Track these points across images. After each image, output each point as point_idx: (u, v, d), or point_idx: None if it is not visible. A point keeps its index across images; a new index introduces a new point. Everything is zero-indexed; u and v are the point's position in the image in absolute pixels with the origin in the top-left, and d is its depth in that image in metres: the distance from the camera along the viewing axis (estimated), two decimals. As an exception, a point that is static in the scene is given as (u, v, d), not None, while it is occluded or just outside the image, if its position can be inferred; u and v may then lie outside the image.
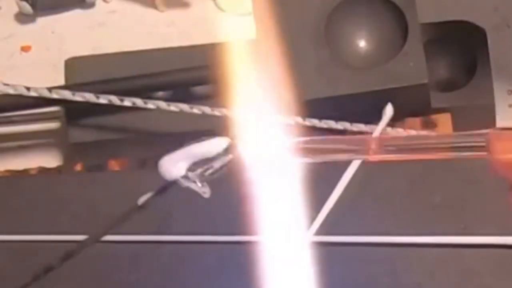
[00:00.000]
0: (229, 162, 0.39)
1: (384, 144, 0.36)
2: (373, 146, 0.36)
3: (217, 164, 0.39)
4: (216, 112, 0.72)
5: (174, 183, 0.40)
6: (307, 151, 0.37)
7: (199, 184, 0.40)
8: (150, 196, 0.45)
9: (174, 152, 0.40)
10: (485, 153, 0.36)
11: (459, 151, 0.37)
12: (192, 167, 0.39)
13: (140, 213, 0.68)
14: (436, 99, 0.77)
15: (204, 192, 0.40)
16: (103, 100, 0.72)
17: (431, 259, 0.65)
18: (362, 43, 0.78)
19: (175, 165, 0.39)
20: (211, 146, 0.39)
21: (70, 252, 0.68)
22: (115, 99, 0.72)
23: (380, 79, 0.74)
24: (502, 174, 0.37)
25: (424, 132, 0.75)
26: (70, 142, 0.80)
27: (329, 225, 0.65)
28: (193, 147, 0.39)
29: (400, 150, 0.36)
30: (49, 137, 0.84)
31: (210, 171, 0.39)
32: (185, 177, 0.40)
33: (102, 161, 0.78)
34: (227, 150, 0.38)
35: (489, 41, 0.78)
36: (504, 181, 0.36)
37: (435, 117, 0.76)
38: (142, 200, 0.45)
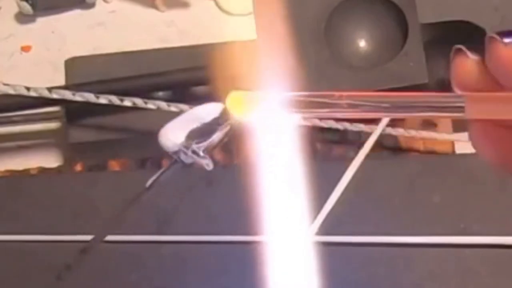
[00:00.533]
0: (228, 131, 0.38)
1: (355, 101, 0.36)
2: (343, 101, 0.36)
3: (217, 133, 0.39)
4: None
5: (178, 157, 0.40)
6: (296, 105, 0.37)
7: (201, 154, 0.39)
8: (157, 176, 0.44)
9: (170, 121, 0.39)
10: (461, 114, 0.36)
11: (435, 111, 0.37)
12: (192, 136, 0.39)
13: (141, 213, 0.68)
14: (436, 99, 0.77)
15: (207, 164, 0.39)
16: (103, 100, 0.72)
17: (431, 259, 0.65)
18: (362, 43, 0.78)
19: (174, 134, 0.39)
20: (206, 111, 0.39)
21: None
22: (115, 99, 0.72)
23: (380, 79, 0.74)
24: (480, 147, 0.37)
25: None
26: (70, 142, 0.80)
27: (329, 225, 0.65)
28: (188, 114, 0.39)
29: (373, 107, 0.36)
30: (49, 137, 0.84)
31: (210, 140, 0.39)
32: (186, 147, 0.39)
33: (102, 161, 0.78)
34: (224, 116, 0.38)
35: (489, 41, 0.78)
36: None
37: (435, 117, 0.76)
38: (149, 182, 0.45)
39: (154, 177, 0.43)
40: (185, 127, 0.39)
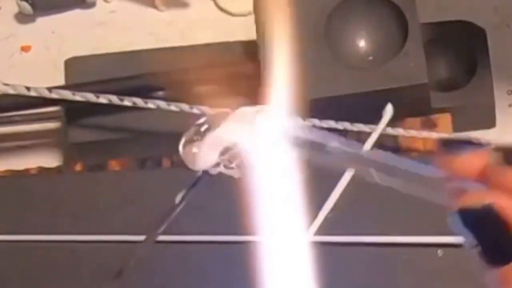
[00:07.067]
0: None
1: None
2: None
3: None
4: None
5: (206, 173, 0.40)
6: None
7: (232, 166, 0.40)
8: (186, 192, 0.44)
9: (197, 140, 0.39)
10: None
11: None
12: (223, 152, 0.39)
13: (141, 213, 0.68)
14: (436, 99, 0.77)
15: (235, 174, 0.40)
16: (103, 100, 0.72)
17: (431, 259, 0.65)
18: (362, 43, 0.78)
19: (206, 155, 0.39)
20: (230, 132, 0.39)
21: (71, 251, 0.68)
22: (115, 99, 0.72)
23: (380, 79, 0.74)
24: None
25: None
26: (70, 142, 0.80)
27: (329, 225, 0.65)
28: (215, 135, 0.39)
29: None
30: (49, 137, 0.84)
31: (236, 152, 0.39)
32: (218, 164, 0.40)
33: (102, 161, 0.78)
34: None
35: (489, 41, 0.78)
36: None
37: (435, 117, 0.77)
38: (178, 198, 0.45)
39: (183, 193, 0.43)
40: (215, 148, 0.39)
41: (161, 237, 0.68)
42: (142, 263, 0.67)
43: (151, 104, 0.73)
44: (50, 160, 0.82)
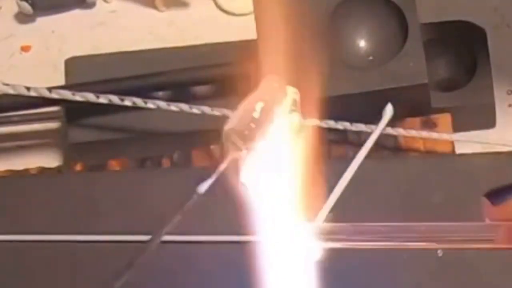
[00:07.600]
0: None
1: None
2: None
3: None
4: (216, 112, 0.72)
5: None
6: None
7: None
8: (211, 183, 0.44)
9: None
10: (492, 246, 0.36)
11: (464, 243, 0.37)
12: None
13: (141, 213, 0.68)
14: (436, 99, 0.77)
15: None
16: (103, 100, 0.72)
17: (430, 259, 0.65)
18: (362, 43, 0.78)
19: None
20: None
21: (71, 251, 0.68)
22: (115, 99, 0.72)
23: (380, 79, 0.74)
24: None
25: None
26: (70, 142, 0.80)
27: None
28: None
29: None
30: (49, 137, 0.84)
31: None
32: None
33: (102, 161, 0.78)
34: None
35: (489, 41, 0.78)
36: None
37: (435, 117, 0.77)
38: (203, 188, 0.45)
39: (207, 183, 0.43)
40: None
41: (162, 237, 0.68)
42: (142, 263, 0.67)
43: (151, 104, 0.73)
44: (50, 160, 0.83)
